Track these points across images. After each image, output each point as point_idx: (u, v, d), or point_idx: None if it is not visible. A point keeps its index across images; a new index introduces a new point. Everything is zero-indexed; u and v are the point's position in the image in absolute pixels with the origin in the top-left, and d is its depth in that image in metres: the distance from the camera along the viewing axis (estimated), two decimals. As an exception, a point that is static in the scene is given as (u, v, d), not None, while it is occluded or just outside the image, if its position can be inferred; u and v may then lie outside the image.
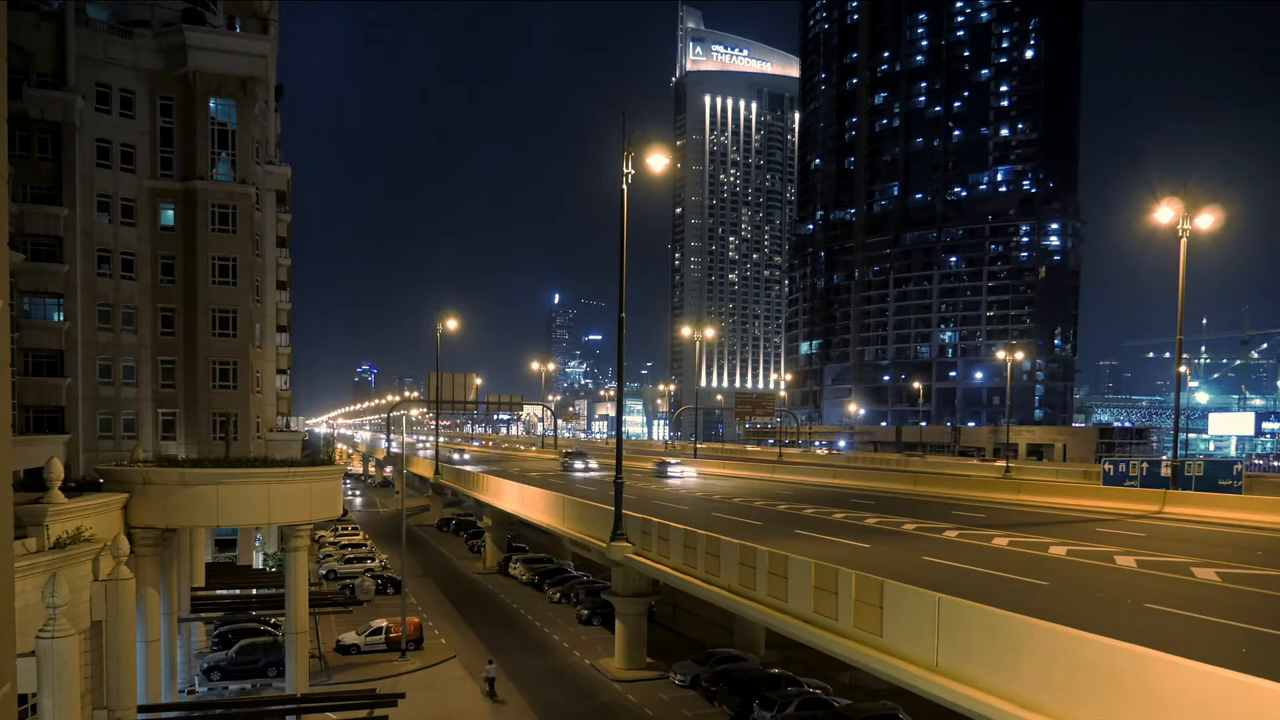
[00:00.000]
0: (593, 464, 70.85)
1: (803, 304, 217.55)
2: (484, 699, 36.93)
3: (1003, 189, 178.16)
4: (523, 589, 60.10)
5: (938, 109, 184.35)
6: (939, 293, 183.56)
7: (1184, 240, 40.88)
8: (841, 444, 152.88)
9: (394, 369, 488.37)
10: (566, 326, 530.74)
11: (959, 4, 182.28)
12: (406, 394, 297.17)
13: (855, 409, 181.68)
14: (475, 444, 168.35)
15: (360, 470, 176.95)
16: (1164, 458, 57.58)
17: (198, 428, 45.40)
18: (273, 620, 40.49)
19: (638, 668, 40.10)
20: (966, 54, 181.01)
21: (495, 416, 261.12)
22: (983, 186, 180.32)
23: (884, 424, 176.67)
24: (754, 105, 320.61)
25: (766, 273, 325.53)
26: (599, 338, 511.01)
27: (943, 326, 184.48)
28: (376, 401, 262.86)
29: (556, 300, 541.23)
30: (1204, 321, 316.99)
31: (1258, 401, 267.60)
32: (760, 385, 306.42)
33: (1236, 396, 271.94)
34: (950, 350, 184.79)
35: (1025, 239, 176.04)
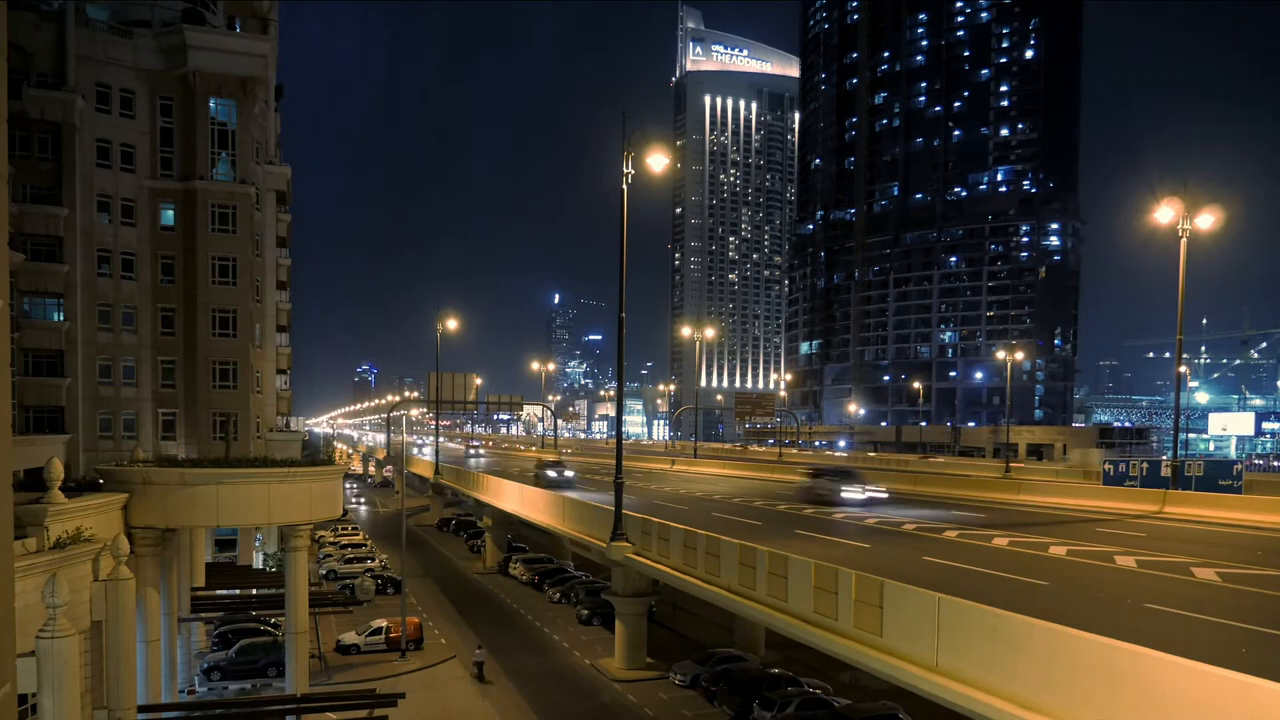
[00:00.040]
0: (568, 473, 62.31)
1: (803, 304, 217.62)
2: (472, 681, 38.46)
3: (1003, 189, 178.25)
4: (523, 589, 60.14)
5: (938, 109, 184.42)
6: (939, 293, 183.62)
7: (1184, 240, 40.89)
8: (841, 444, 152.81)
9: (394, 369, 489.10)
10: (566, 326, 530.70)
11: (959, 4, 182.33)
12: (406, 394, 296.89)
13: (855, 409, 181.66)
14: (475, 444, 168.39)
15: (360, 470, 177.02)
16: (1164, 458, 57.53)
17: (198, 428, 45.43)
18: (273, 620, 40.51)
19: (638, 668, 40.13)
20: (966, 54, 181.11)
21: (495, 416, 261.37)
22: (983, 186, 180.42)
23: (884, 424, 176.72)
24: (754, 105, 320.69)
25: (766, 273, 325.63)
26: (599, 338, 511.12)
27: (943, 326, 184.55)
28: (376, 401, 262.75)
29: (556, 300, 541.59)
30: (1204, 321, 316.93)
31: (1258, 401, 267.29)
32: (760, 385, 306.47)
33: (1236, 396, 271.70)
34: (950, 350, 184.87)
35: (1025, 239, 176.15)
